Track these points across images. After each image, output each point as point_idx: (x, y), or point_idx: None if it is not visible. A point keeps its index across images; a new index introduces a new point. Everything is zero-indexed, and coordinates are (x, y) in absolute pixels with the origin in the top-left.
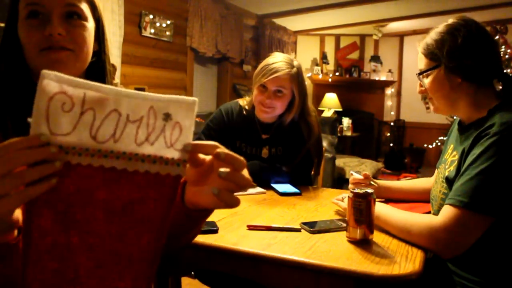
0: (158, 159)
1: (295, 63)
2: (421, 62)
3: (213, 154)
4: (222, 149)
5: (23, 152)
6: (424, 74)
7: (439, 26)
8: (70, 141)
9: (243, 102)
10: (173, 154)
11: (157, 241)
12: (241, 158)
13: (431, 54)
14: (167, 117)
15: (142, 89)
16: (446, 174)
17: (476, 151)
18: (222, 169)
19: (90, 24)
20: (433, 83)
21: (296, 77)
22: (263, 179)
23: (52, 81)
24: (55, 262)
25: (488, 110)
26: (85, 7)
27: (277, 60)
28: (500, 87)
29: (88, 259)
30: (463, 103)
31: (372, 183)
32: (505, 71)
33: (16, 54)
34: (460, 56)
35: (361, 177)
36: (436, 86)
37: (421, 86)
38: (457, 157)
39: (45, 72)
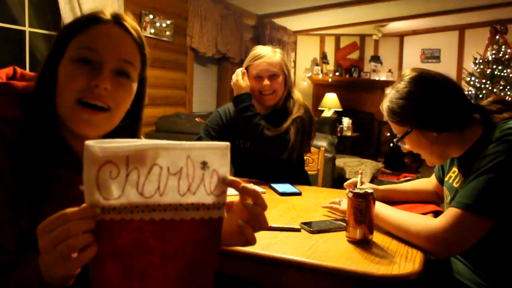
0: (201, 206)
1: (276, 49)
2: (393, 128)
3: (239, 188)
4: (246, 185)
5: (81, 222)
6: (400, 140)
7: (395, 87)
8: (122, 202)
9: None
10: (213, 199)
11: (208, 277)
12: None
13: (399, 120)
14: (204, 165)
15: None
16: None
17: (480, 156)
18: (248, 201)
19: (135, 85)
20: (412, 144)
21: (282, 57)
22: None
23: (98, 152)
24: None
25: (478, 140)
26: (136, 64)
27: (262, 50)
28: (479, 117)
29: None
30: (451, 148)
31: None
32: (505, 71)
33: (48, 91)
34: (425, 116)
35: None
36: (417, 146)
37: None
38: (459, 175)
39: (89, 144)
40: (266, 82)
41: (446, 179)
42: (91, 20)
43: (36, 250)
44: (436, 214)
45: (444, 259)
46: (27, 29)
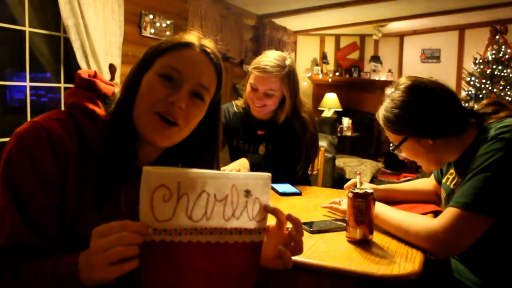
0: (244, 230)
1: (287, 62)
2: (389, 136)
3: (283, 216)
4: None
5: (134, 235)
6: (397, 149)
7: (390, 96)
8: (172, 225)
9: (239, 102)
10: (255, 225)
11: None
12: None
13: (394, 129)
14: (247, 193)
15: None
16: (451, 189)
17: (476, 156)
18: (294, 230)
19: (205, 106)
20: (408, 152)
21: (287, 78)
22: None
23: (153, 176)
24: None
25: (473, 141)
26: (212, 89)
27: (268, 61)
28: (474, 121)
29: None
30: (447, 154)
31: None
32: (505, 71)
33: (131, 98)
34: (420, 125)
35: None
36: (413, 153)
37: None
38: (456, 177)
39: (146, 169)
40: (259, 95)
41: (443, 180)
42: (182, 45)
43: (71, 243)
44: (436, 214)
45: (444, 259)
46: (27, 29)
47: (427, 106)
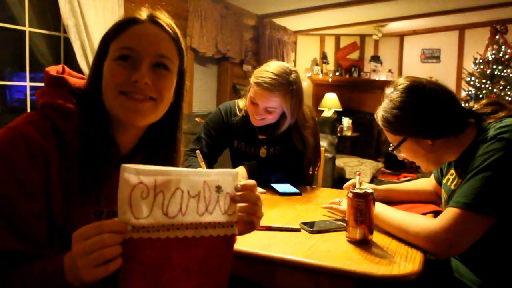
0: (217, 224)
1: (291, 77)
2: (388, 137)
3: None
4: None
5: (115, 235)
6: (396, 149)
7: (389, 97)
8: (150, 221)
9: (242, 102)
10: (227, 218)
11: (224, 285)
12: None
13: (393, 130)
14: (218, 189)
15: None
16: (452, 189)
17: (476, 156)
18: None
19: (174, 77)
20: (408, 152)
21: (289, 95)
22: (262, 178)
23: (132, 174)
24: None
25: (472, 141)
26: (174, 58)
27: (269, 77)
28: (473, 121)
29: None
30: (446, 154)
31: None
32: (505, 71)
33: (97, 89)
34: (419, 125)
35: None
36: (412, 154)
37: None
38: (457, 177)
39: (125, 166)
40: (259, 111)
41: (444, 181)
42: (128, 22)
43: (64, 243)
44: (436, 214)
45: (444, 259)
46: (27, 29)
47: (426, 107)
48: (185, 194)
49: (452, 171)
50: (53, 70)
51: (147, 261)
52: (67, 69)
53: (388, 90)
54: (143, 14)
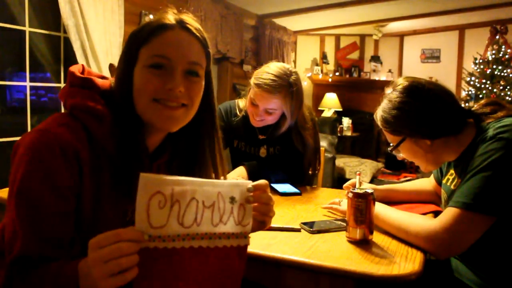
0: (231, 235)
1: (291, 78)
2: (387, 137)
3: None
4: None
5: (133, 244)
6: (395, 149)
7: (388, 97)
8: (166, 231)
9: (242, 102)
10: (241, 229)
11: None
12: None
13: (392, 130)
14: (232, 200)
15: None
16: (451, 189)
17: (475, 155)
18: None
19: (203, 82)
20: (407, 153)
21: (289, 97)
22: (262, 178)
23: (151, 183)
24: None
25: (472, 142)
26: (203, 63)
27: (269, 79)
28: (472, 121)
29: None
30: (445, 154)
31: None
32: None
33: (127, 95)
34: (417, 125)
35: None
36: (411, 154)
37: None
38: (456, 177)
39: (144, 175)
40: (258, 112)
41: (444, 181)
42: (159, 28)
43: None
44: (436, 214)
45: (444, 259)
46: (27, 29)
47: (425, 107)
48: (200, 204)
49: (452, 171)
50: (76, 69)
51: (161, 270)
52: (86, 68)
53: (388, 90)
54: (171, 18)
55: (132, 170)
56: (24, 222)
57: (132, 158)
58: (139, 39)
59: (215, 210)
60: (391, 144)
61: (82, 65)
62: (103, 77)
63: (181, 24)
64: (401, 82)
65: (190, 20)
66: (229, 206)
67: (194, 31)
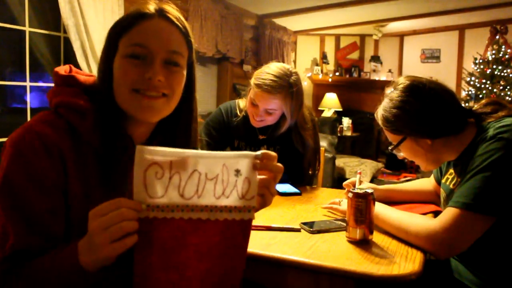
0: (233, 209)
1: (291, 79)
2: (388, 136)
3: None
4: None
5: (131, 211)
6: (395, 148)
7: (389, 96)
8: (164, 201)
9: (242, 102)
10: (245, 203)
11: (236, 278)
12: (271, 153)
13: (393, 129)
14: (237, 173)
15: None
16: (450, 188)
17: (475, 156)
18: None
19: (184, 72)
20: (407, 152)
21: (289, 97)
22: None
23: (146, 154)
24: None
25: (473, 140)
26: (184, 52)
27: (269, 79)
28: (473, 120)
29: None
30: (446, 153)
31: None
32: (505, 71)
33: (108, 87)
34: (418, 125)
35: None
36: (411, 153)
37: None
38: (456, 177)
39: (139, 147)
40: (258, 112)
41: (443, 181)
42: (137, 17)
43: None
44: (436, 214)
45: (444, 259)
46: (27, 29)
47: (426, 106)
48: (203, 176)
49: (451, 170)
50: (62, 70)
51: (161, 240)
52: (74, 68)
53: (388, 90)
54: (151, 7)
55: (118, 163)
56: (12, 220)
57: (117, 151)
58: (118, 29)
59: (218, 183)
60: (392, 144)
61: (70, 66)
62: (90, 75)
63: (161, 13)
64: (402, 81)
65: (170, 9)
66: (233, 179)
67: (174, 19)
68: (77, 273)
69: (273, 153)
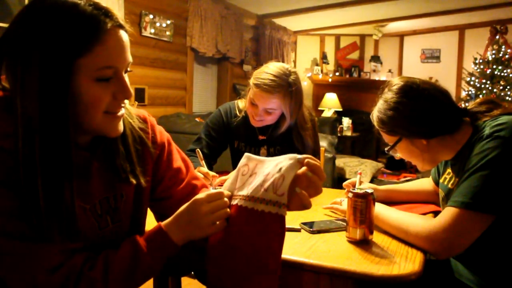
0: (269, 202)
1: (291, 78)
2: (384, 137)
3: (305, 162)
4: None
5: (227, 201)
6: (391, 149)
7: (383, 97)
8: (240, 193)
9: (242, 102)
10: (277, 198)
11: (276, 261)
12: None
13: (388, 130)
14: (280, 170)
15: (143, 89)
16: (448, 188)
17: (472, 154)
18: (309, 172)
19: None
20: (403, 152)
21: (288, 96)
22: None
23: (249, 159)
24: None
25: (468, 141)
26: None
27: (268, 79)
28: (469, 120)
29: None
30: (442, 153)
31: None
32: (505, 71)
33: (58, 107)
34: (413, 125)
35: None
36: (407, 153)
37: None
38: (453, 176)
39: (247, 154)
40: (258, 112)
41: (441, 180)
42: (94, 33)
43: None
44: (436, 214)
45: (444, 259)
46: None
47: (419, 107)
48: (269, 176)
49: (449, 170)
50: None
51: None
52: None
53: (383, 91)
54: (103, 18)
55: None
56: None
57: (63, 171)
58: (72, 49)
59: (265, 178)
60: (388, 145)
61: None
62: None
63: (115, 22)
64: (396, 83)
65: (115, 12)
66: (273, 175)
67: (125, 26)
68: (172, 250)
69: (317, 161)
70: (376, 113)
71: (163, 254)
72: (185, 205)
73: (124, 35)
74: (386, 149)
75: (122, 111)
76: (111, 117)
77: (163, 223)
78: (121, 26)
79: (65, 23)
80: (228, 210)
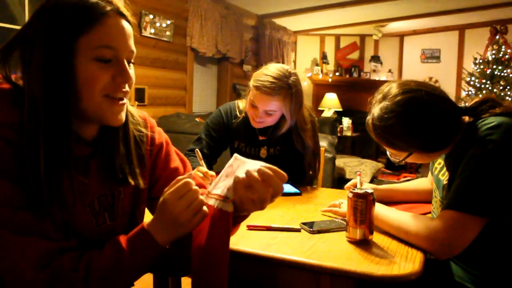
0: (218, 196)
1: (291, 80)
2: (379, 142)
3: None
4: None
5: (198, 189)
6: (402, 161)
7: (379, 106)
8: (212, 191)
9: (242, 103)
10: (226, 193)
11: (224, 252)
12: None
13: (385, 141)
14: (243, 173)
15: (143, 89)
16: (443, 183)
17: (465, 158)
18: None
19: None
20: (409, 160)
21: (288, 98)
22: None
23: (235, 160)
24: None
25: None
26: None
27: (268, 81)
28: (467, 119)
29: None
30: (441, 152)
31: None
32: (505, 71)
33: (60, 89)
34: (413, 141)
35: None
36: (413, 160)
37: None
38: (444, 168)
39: (235, 155)
40: (258, 113)
41: (433, 169)
42: (96, 15)
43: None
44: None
45: (444, 259)
46: None
47: (422, 124)
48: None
49: (440, 160)
50: None
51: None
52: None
53: (379, 97)
54: (103, 4)
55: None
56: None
57: (64, 159)
58: (72, 28)
59: (234, 179)
60: (388, 153)
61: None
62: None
63: (117, 10)
64: (396, 92)
65: (120, 5)
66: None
67: (129, 17)
68: (155, 250)
69: (280, 171)
70: (372, 121)
71: (145, 253)
72: (158, 206)
73: (125, 23)
74: (388, 153)
75: (124, 100)
76: (110, 101)
77: (145, 223)
78: (122, 14)
79: (68, 6)
80: (201, 197)
